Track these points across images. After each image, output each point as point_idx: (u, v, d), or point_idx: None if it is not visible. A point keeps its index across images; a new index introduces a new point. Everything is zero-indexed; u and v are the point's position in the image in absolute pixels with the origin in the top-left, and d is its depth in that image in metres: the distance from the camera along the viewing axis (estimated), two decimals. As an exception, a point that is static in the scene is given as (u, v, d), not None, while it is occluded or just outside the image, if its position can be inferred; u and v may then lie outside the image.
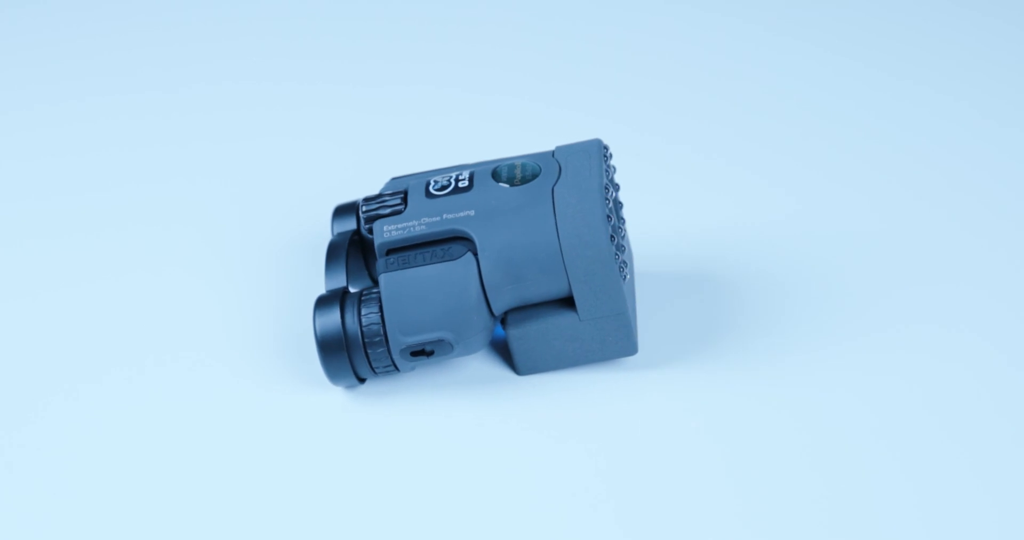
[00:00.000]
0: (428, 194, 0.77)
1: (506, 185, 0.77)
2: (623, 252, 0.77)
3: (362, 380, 0.78)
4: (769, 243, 0.87)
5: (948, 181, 0.92)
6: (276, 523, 0.71)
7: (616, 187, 0.80)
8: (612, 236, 0.74)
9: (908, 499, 0.71)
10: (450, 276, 0.75)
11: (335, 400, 0.77)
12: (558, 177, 0.76)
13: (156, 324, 0.83)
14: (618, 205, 0.80)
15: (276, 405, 0.77)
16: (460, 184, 0.77)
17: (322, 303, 0.76)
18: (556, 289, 0.75)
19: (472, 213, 0.76)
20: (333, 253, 0.79)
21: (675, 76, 1.04)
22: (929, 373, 0.77)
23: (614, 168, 0.79)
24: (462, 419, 0.76)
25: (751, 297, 0.83)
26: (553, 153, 0.78)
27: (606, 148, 0.79)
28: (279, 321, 0.82)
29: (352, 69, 1.07)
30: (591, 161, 0.77)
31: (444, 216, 0.76)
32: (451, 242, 0.76)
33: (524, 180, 0.77)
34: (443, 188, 0.77)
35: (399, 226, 0.76)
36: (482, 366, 0.79)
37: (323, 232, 0.89)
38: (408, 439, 0.75)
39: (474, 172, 0.78)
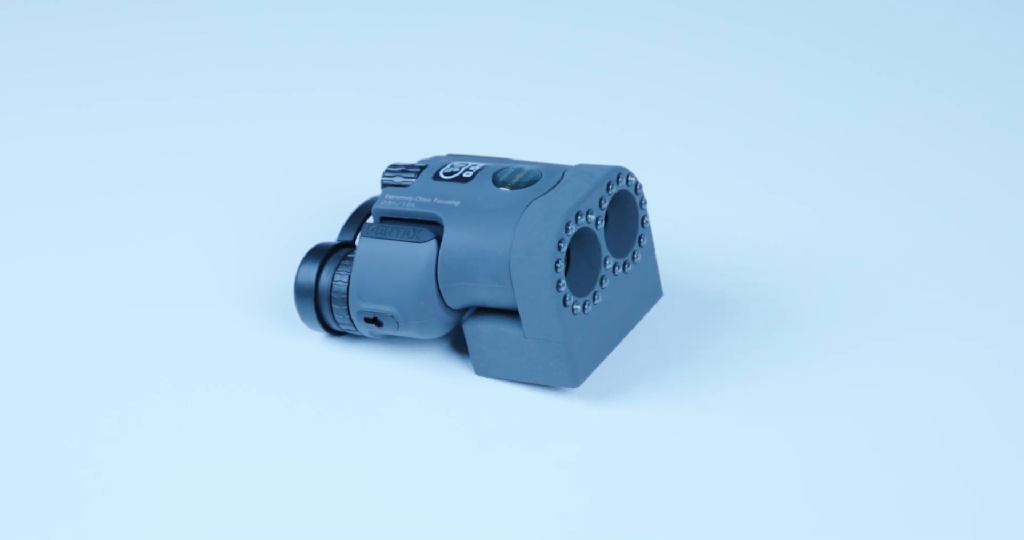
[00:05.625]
0: (436, 176, 0.79)
1: (504, 187, 0.77)
2: (601, 284, 0.77)
3: (335, 332, 0.81)
4: (759, 254, 0.87)
5: (948, 191, 0.93)
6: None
7: (643, 223, 0.79)
8: (558, 263, 0.74)
9: (905, 520, 0.70)
10: (409, 257, 0.77)
11: (311, 346, 0.81)
12: (547, 191, 0.76)
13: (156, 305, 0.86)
14: (636, 237, 0.79)
15: (257, 345, 0.82)
16: (465, 175, 0.78)
17: (311, 254, 0.80)
18: (504, 299, 0.76)
19: (456, 204, 0.77)
20: (359, 211, 0.82)
21: (685, 82, 1.06)
22: (925, 387, 0.77)
23: (644, 203, 0.79)
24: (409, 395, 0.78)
25: (740, 312, 0.83)
26: (567, 168, 0.78)
27: (633, 181, 0.78)
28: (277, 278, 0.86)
29: (357, 73, 1.08)
30: (584, 184, 0.76)
31: (434, 199, 0.78)
32: (427, 225, 0.77)
33: (517, 185, 0.77)
34: (450, 174, 0.79)
35: (396, 198, 0.79)
36: (451, 354, 0.81)
37: (319, 233, 0.90)
38: (348, 396, 0.78)
39: (484, 167, 0.79)
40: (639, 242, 0.79)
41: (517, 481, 0.73)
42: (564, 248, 0.74)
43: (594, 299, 0.77)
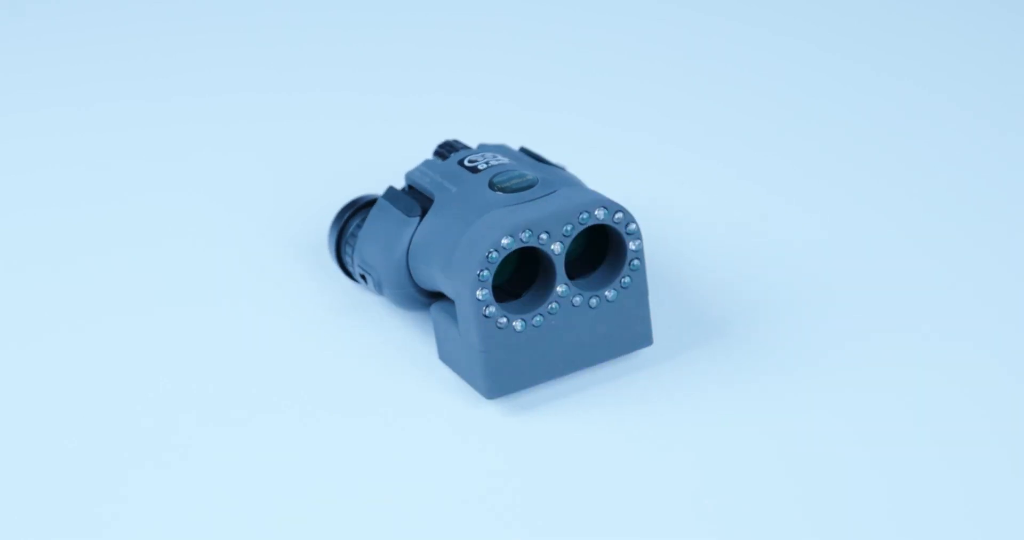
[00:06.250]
0: (460, 162, 0.79)
1: (495, 188, 0.76)
2: (548, 308, 0.74)
3: (350, 275, 0.83)
4: (759, 255, 0.87)
5: (949, 193, 0.92)
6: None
7: (631, 265, 0.75)
8: (482, 273, 0.72)
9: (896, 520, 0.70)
10: (396, 228, 0.78)
11: (309, 345, 0.82)
12: (524, 201, 0.75)
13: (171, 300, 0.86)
14: (618, 277, 0.75)
15: (255, 345, 0.82)
16: (480, 167, 0.79)
17: (351, 204, 0.83)
18: (450, 292, 0.75)
19: (453, 191, 0.78)
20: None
21: (686, 83, 1.06)
22: (923, 389, 0.76)
23: (637, 243, 0.75)
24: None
25: (738, 313, 0.82)
26: (564, 187, 0.76)
27: (621, 219, 0.74)
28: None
29: (357, 73, 1.09)
30: (554, 206, 0.74)
31: (443, 182, 0.79)
32: (422, 201, 0.79)
33: (506, 189, 0.76)
34: (471, 163, 0.79)
35: (424, 170, 0.80)
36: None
37: (319, 233, 0.90)
38: (341, 396, 0.78)
39: (496, 165, 0.78)
40: (620, 283, 0.76)
41: (502, 482, 0.73)
42: (496, 259, 0.73)
43: (532, 320, 0.74)
